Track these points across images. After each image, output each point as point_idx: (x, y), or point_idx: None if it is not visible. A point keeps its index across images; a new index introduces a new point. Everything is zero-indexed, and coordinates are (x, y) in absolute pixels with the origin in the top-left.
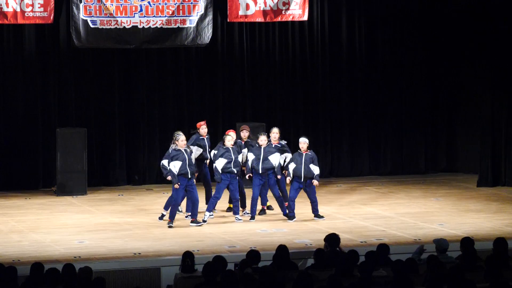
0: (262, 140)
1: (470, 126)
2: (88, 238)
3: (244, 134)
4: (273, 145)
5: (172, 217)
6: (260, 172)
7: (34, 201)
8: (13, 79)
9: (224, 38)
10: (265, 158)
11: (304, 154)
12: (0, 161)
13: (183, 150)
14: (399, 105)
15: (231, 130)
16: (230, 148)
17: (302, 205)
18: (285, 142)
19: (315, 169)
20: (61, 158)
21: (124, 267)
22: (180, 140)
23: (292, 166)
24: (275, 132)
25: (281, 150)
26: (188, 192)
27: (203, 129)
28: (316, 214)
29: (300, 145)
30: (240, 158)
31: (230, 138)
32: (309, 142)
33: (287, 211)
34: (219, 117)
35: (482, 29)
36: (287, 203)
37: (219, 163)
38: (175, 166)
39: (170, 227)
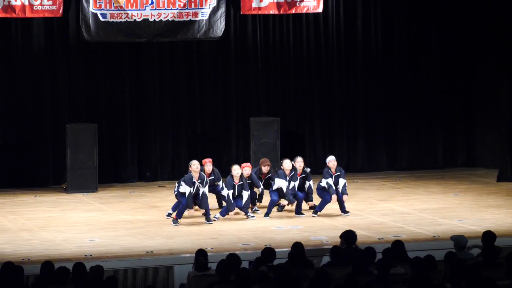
0: (287, 163)
1: (489, 119)
2: (100, 236)
3: (266, 169)
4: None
5: (179, 215)
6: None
7: (44, 199)
8: (22, 74)
9: (237, 31)
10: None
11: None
12: (9, 158)
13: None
14: (416, 98)
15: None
16: (236, 185)
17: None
18: (309, 169)
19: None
20: (71, 154)
21: (136, 265)
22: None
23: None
24: (299, 161)
25: (305, 178)
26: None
27: (207, 166)
28: (343, 210)
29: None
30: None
31: (236, 173)
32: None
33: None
34: (232, 112)
35: (500, 20)
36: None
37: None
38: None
39: (175, 224)
